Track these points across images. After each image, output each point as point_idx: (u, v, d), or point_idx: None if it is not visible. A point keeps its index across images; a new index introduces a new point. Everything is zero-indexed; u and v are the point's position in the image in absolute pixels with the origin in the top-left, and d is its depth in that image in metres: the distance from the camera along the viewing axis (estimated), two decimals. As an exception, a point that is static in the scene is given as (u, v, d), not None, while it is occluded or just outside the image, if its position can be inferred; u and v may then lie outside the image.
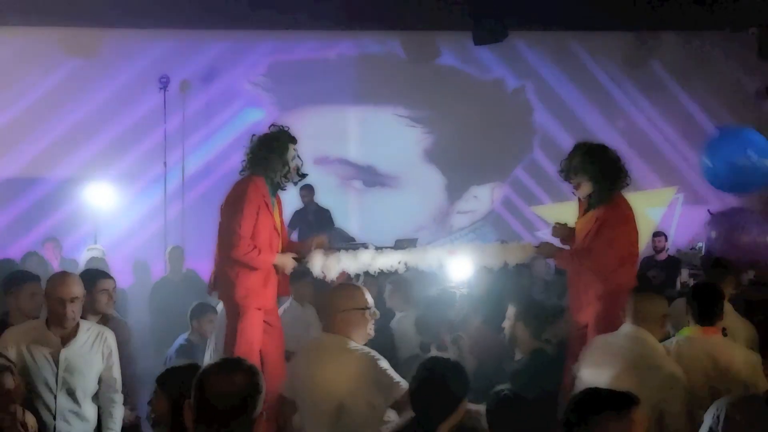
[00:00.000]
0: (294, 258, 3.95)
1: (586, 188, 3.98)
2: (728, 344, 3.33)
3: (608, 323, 3.55)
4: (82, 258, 6.68)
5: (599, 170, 3.92)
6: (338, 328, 3.03)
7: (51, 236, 7.53)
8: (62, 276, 3.45)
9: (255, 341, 3.83)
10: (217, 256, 3.93)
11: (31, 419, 2.96)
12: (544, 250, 4.13)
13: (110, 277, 4.07)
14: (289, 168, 3.93)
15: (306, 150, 9.45)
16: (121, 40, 8.53)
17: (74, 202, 8.11)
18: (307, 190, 7.49)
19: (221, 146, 8.70)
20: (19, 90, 8.44)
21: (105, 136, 8.52)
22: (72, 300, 3.31)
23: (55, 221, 8.23)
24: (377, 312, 3.15)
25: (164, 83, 8.38)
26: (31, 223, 8.28)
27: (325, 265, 3.96)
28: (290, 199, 7.25)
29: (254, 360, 3.67)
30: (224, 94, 8.89)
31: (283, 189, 4.01)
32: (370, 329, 3.10)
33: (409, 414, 2.53)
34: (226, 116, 8.87)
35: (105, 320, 3.90)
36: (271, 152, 3.87)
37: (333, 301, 3.09)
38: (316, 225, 7.24)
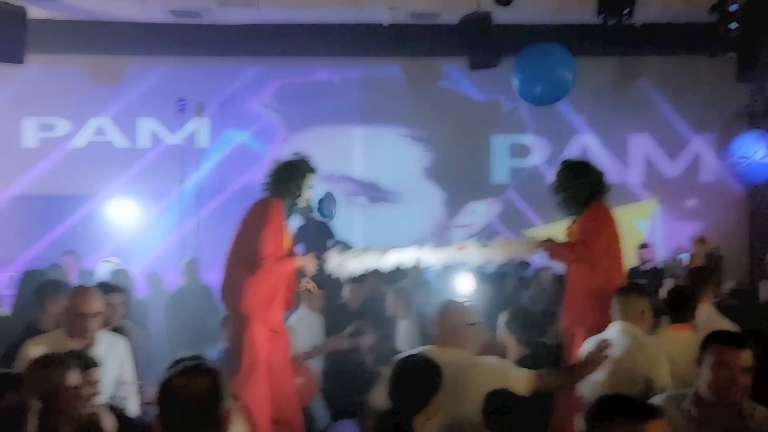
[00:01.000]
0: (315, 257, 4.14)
1: (568, 202, 4.38)
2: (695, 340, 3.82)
3: (597, 324, 3.88)
4: (98, 270, 7.10)
5: (579, 184, 4.32)
6: (459, 343, 3.08)
7: (70, 249, 7.86)
8: (84, 291, 3.50)
9: (261, 351, 3.94)
10: (229, 267, 4.12)
11: (109, 422, 2.76)
12: (545, 245, 4.35)
13: (118, 291, 4.34)
14: (302, 196, 4.16)
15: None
16: (142, 67, 9.10)
17: (95, 217, 8.74)
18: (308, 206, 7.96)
19: (233, 165, 9.27)
20: (50, 112, 9.03)
21: (125, 154, 9.09)
22: (94, 315, 3.38)
23: (76, 235, 8.67)
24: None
25: (181, 106, 9.00)
26: (54, 237, 8.76)
27: (341, 263, 4.15)
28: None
29: (260, 369, 3.93)
30: (237, 115, 9.38)
31: (293, 212, 4.25)
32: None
33: (386, 406, 2.61)
34: (238, 137, 9.40)
35: (117, 330, 4.07)
36: (291, 178, 4.10)
37: (455, 317, 3.13)
38: (318, 237, 7.70)
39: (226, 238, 4.27)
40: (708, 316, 3.97)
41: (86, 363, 2.92)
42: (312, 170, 4.23)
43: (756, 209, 9.53)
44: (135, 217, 8.68)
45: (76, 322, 3.36)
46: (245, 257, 4.00)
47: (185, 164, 8.96)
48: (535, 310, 5.41)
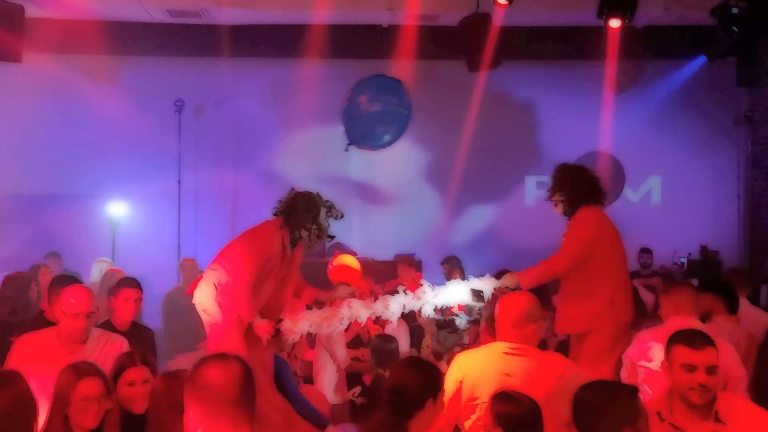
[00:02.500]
0: (275, 327, 4.06)
1: (561, 206, 4.45)
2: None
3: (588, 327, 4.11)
4: (93, 269, 7.02)
5: (571, 189, 4.39)
6: (529, 339, 3.08)
7: (53, 251, 7.79)
8: (77, 289, 3.44)
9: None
10: (215, 268, 4.14)
11: None
12: (514, 280, 4.32)
13: (135, 287, 4.30)
14: (320, 229, 4.21)
15: (309, 169, 9.99)
16: (139, 67, 9.06)
17: (93, 217, 8.69)
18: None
19: (231, 165, 9.24)
20: (47, 112, 9.00)
21: (123, 155, 9.05)
22: (88, 315, 3.33)
23: (72, 235, 8.58)
24: None
25: (179, 106, 8.99)
26: (47, 238, 8.56)
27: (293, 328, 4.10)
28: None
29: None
30: (233, 115, 9.33)
31: (308, 246, 4.30)
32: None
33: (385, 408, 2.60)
34: (235, 136, 9.34)
35: (132, 327, 4.16)
36: (305, 211, 4.14)
37: (529, 311, 3.14)
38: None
39: (222, 238, 4.33)
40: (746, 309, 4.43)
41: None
42: (326, 204, 4.27)
43: (754, 215, 9.51)
44: (131, 217, 8.63)
45: (68, 322, 3.32)
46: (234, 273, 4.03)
47: (182, 164, 8.92)
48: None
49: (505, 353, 3.07)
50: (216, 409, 1.91)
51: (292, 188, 4.32)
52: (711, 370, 2.58)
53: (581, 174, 4.52)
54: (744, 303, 4.46)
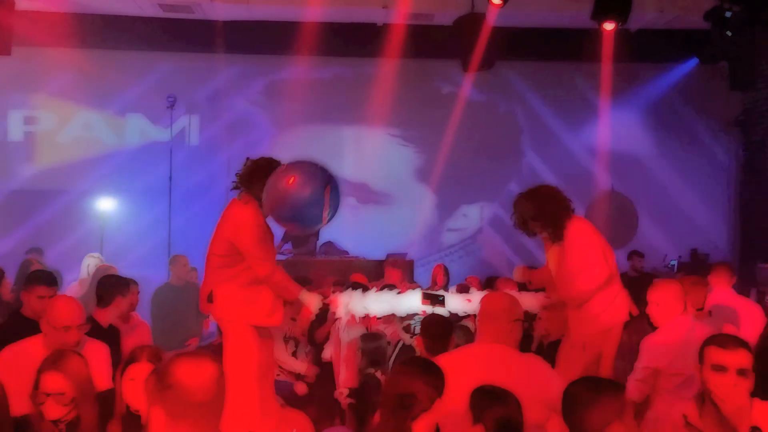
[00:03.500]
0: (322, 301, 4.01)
1: (546, 234, 4.26)
2: None
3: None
4: (83, 264, 6.98)
5: (541, 213, 4.16)
6: (505, 339, 3.03)
7: (35, 246, 7.68)
8: (64, 303, 3.37)
9: (252, 356, 3.88)
10: (212, 274, 3.99)
11: None
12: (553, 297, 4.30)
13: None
14: None
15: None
16: (130, 61, 9.00)
17: (81, 212, 8.63)
18: None
19: (222, 161, 9.18)
20: (36, 106, 8.92)
21: (114, 150, 8.99)
22: (78, 327, 3.27)
23: (60, 230, 8.56)
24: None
25: (171, 102, 8.91)
26: (35, 233, 8.58)
27: (350, 307, 4.11)
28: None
29: (251, 373, 3.83)
30: (226, 112, 9.28)
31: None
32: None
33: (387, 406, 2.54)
34: (226, 132, 9.27)
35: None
36: (263, 178, 3.83)
37: (502, 311, 3.08)
38: (304, 236, 7.64)
39: (212, 235, 4.16)
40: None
41: None
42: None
43: (745, 218, 9.54)
44: (121, 212, 8.57)
45: (56, 335, 3.22)
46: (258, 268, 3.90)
47: (174, 161, 8.87)
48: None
49: (486, 354, 3.03)
50: (181, 411, 1.81)
51: (248, 158, 4.09)
52: (742, 372, 2.56)
53: (543, 193, 4.27)
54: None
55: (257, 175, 3.91)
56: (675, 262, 8.63)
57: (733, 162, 9.66)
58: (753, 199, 9.41)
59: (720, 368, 2.58)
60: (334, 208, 3.71)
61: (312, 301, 3.99)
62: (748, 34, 7.96)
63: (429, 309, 4.18)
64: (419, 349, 3.90)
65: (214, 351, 4.52)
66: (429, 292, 4.26)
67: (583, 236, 4.16)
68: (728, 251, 9.49)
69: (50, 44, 8.51)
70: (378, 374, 4.52)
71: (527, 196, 4.23)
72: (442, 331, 3.83)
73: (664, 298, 3.77)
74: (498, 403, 2.54)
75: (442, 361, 2.92)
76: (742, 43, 8.16)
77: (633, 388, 3.65)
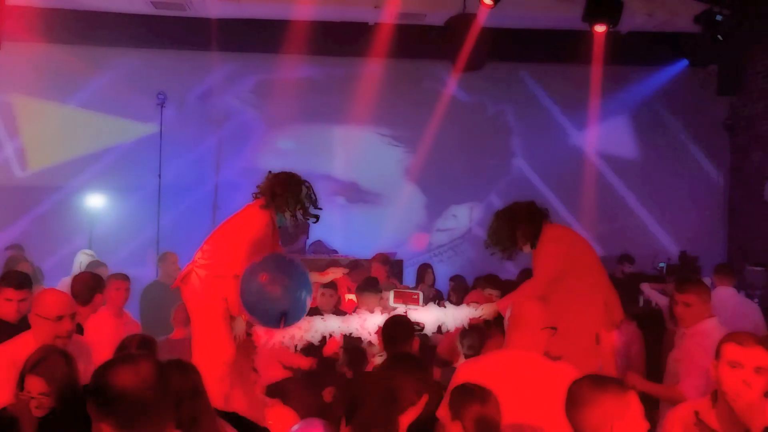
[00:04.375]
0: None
1: (526, 244, 4.44)
2: None
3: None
4: (75, 261, 6.94)
5: (521, 232, 4.38)
6: (535, 346, 2.99)
7: (15, 243, 7.61)
8: (53, 293, 3.37)
9: (223, 345, 4.05)
10: (206, 260, 4.14)
11: None
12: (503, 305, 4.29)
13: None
14: (303, 208, 4.28)
15: (291, 166, 9.92)
16: (121, 58, 8.94)
17: (70, 209, 8.57)
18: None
19: (211, 160, 9.15)
20: (24, 100, 8.85)
21: (103, 147, 8.93)
22: (71, 317, 3.24)
23: (53, 227, 8.53)
24: None
25: (161, 99, 8.88)
26: (24, 228, 8.52)
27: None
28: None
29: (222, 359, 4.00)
30: (216, 110, 9.23)
31: (294, 225, 4.39)
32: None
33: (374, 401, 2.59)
34: (216, 130, 9.24)
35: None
36: (287, 190, 4.22)
37: (532, 317, 3.06)
38: (294, 234, 7.66)
39: (202, 233, 4.31)
40: None
41: None
42: (305, 182, 4.35)
43: (733, 221, 9.61)
44: (110, 209, 8.53)
45: (46, 326, 3.19)
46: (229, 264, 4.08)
47: (163, 158, 8.83)
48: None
49: (515, 360, 3.01)
50: (133, 418, 1.77)
51: (270, 171, 4.38)
52: (759, 370, 2.56)
53: (517, 209, 4.48)
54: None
55: (278, 190, 4.20)
56: (664, 265, 8.67)
57: (721, 165, 9.72)
58: (740, 202, 9.48)
59: (736, 365, 2.57)
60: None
61: (237, 326, 4.13)
62: (737, 39, 8.03)
63: (402, 308, 4.12)
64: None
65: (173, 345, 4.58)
66: (403, 290, 4.23)
67: (548, 244, 4.31)
68: (716, 254, 9.53)
69: (40, 40, 8.46)
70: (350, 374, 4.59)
71: (505, 215, 4.43)
72: (401, 332, 3.74)
73: (695, 300, 3.75)
74: (477, 401, 2.56)
75: (470, 366, 3.04)
76: (730, 47, 8.24)
77: (693, 390, 3.51)
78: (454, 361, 4.30)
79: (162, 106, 8.82)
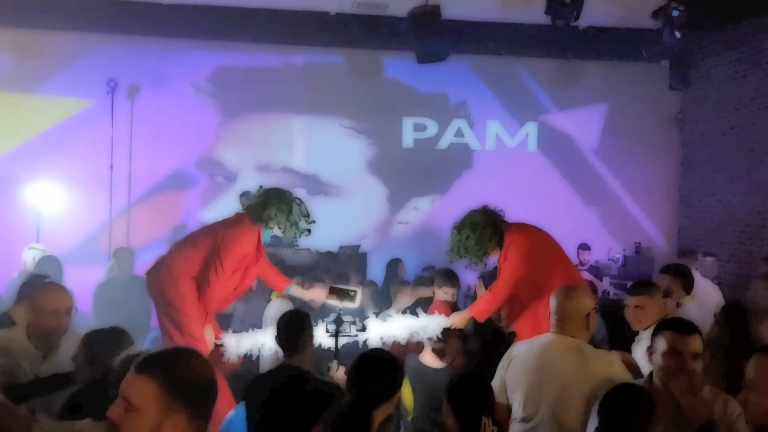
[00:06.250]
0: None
1: (495, 252, 4.51)
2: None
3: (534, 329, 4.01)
4: (24, 256, 6.63)
5: (486, 237, 4.42)
6: (579, 332, 3.09)
7: None
8: (55, 287, 3.31)
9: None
10: (183, 259, 4.17)
11: None
12: (467, 315, 4.34)
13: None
14: (294, 225, 4.31)
15: (250, 157, 9.73)
16: (70, 44, 8.54)
17: (16, 200, 8.14)
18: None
19: (167, 151, 8.85)
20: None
21: (51, 136, 8.53)
22: (67, 311, 3.18)
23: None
24: None
25: (112, 87, 8.53)
26: None
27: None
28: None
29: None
30: (171, 99, 8.92)
31: (284, 240, 4.42)
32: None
33: (347, 399, 2.62)
34: (170, 119, 8.90)
35: None
36: (278, 208, 4.27)
37: (580, 303, 3.14)
38: None
39: (155, 226, 4.26)
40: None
41: None
42: (297, 200, 4.42)
43: (684, 213, 9.90)
44: (59, 202, 8.13)
45: (45, 320, 3.11)
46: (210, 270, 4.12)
47: (115, 148, 8.49)
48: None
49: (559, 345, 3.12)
50: (207, 407, 1.75)
51: (261, 186, 4.44)
52: (696, 356, 2.65)
53: (476, 217, 4.51)
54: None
55: (268, 206, 4.26)
56: (620, 256, 8.86)
57: (672, 159, 9.99)
58: (690, 194, 9.77)
59: (675, 353, 2.64)
60: None
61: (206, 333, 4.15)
62: (689, 35, 8.23)
63: (336, 304, 4.00)
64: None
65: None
66: (337, 286, 4.12)
67: (513, 245, 4.38)
68: (669, 245, 9.82)
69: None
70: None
71: (465, 225, 4.46)
72: (292, 329, 3.44)
73: (648, 302, 3.78)
74: (468, 387, 2.65)
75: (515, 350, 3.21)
76: (683, 43, 8.43)
77: None
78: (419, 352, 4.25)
79: (113, 94, 8.48)
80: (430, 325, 4.19)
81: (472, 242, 4.40)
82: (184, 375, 1.71)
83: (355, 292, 4.04)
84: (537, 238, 4.48)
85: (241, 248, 4.16)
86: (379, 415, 2.53)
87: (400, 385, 2.65)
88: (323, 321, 4.03)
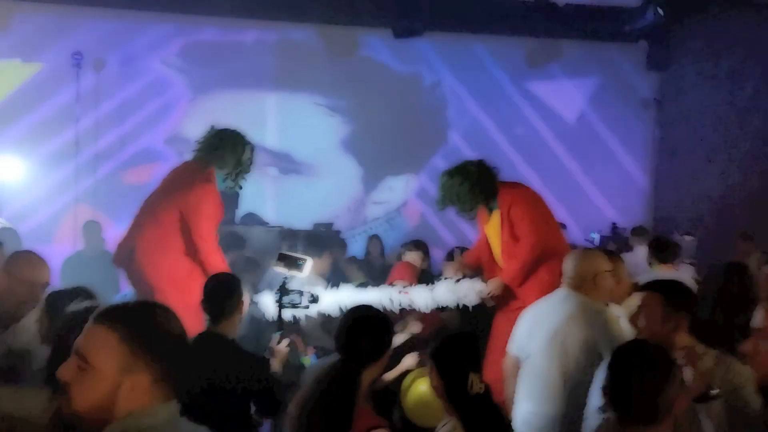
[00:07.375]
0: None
1: (481, 209, 4.25)
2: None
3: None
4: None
5: (478, 189, 4.12)
6: (590, 291, 3.23)
7: None
8: (37, 257, 3.07)
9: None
10: (147, 235, 3.92)
11: None
12: (496, 285, 4.10)
13: None
14: (244, 170, 4.05)
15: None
16: (33, 14, 8.24)
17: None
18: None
19: (133, 125, 8.60)
20: None
21: (13, 108, 8.24)
22: (43, 286, 2.96)
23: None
24: None
25: (77, 60, 8.24)
26: None
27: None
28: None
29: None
30: (139, 74, 8.67)
31: (231, 187, 4.08)
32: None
33: (335, 357, 2.55)
34: (139, 95, 8.66)
35: None
36: (231, 149, 4.00)
37: (592, 263, 3.28)
38: (225, 205, 7.28)
39: (124, 202, 4.08)
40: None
41: None
42: (249, 143, 4.14)
43: (660, 194, 9.88)
44: (22, 177, 7.85)
45: (20, 290, 2.90)
46: (172, 229, 3.87)
47: (81, 123, 8.21)
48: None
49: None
50: (178, 366, 1.56)
51: (212, 126, 4.12)
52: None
53: (470, 166, 4.21)
54: None
55: (221, 146, 3.96)
56: (596, 236, 8.80)
57: (649, 139, 9.96)
58: (666, 174, 9.75)
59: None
60: None
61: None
62: (667, 15, 8.18)
63: (285, 272, 3.63)
64: None
65: None
66: (287, 253, 3.73)
67: (517, 203, 4.10)
68: (645, 225, 9.77)
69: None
70: None
71: (458, 175, 4.15)
72: (219, 293, 3.13)
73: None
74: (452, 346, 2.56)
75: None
76: (661, 24, 8.39)
77: None
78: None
79: (78, 67, 8.19)
80: (469, 294, 4.04)
81: (465, 188, 4.10)
82: (150, 327, 1.50)
83: (304, 260, 3.65)
84: (540, 198, 4.27)
85: (213, 212, 3.89)
86: (367, 376, 2.46)
87: (389, 346, 2.55)
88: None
